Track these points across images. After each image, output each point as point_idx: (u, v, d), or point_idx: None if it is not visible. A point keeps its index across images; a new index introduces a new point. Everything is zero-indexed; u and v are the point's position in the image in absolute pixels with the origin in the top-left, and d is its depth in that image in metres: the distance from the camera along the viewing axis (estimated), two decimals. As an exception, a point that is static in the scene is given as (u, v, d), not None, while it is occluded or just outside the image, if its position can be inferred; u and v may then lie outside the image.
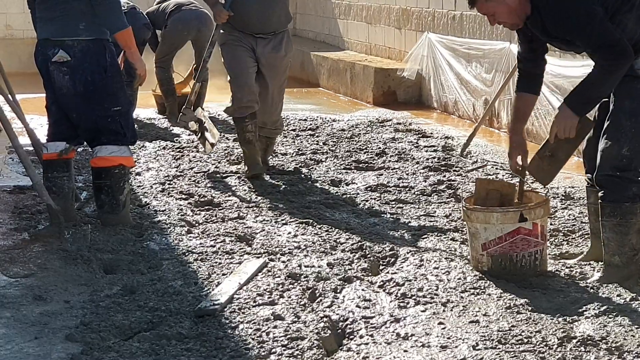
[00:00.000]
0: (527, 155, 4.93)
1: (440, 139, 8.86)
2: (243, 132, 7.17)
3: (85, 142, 5.84)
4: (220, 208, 6.23)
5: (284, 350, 3.92)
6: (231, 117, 7.49)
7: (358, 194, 6.71)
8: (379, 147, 8.37)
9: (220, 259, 5.11)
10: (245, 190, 6.74)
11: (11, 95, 7.40)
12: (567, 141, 4.77)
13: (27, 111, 7.61)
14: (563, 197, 6.46)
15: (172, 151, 8.18)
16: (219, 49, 7.29)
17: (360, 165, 7.69)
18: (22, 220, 5.81)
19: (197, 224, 5.83)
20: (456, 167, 7.59)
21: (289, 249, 5.29)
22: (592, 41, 4.57)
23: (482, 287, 4.61)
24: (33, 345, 3.98)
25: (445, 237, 5.58)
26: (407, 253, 5.19)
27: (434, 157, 7.92)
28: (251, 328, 4.14)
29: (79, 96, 5.55)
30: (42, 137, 7.07)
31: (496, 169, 7.42)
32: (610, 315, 4.18)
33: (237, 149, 8.23)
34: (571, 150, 4.88)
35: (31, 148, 6.99)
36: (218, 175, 7.23)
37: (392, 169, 7.51)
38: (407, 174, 7.31)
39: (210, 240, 5.44)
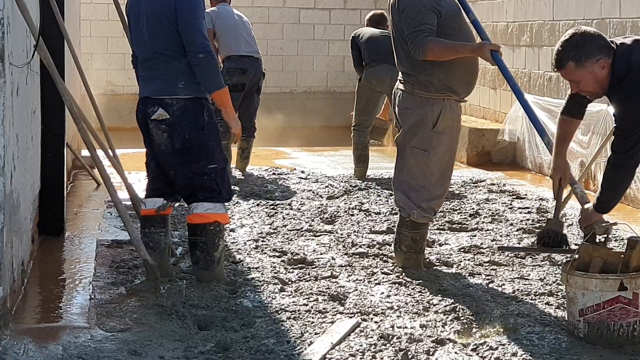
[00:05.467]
0: (568, 179, 5.17)
1: (535, 200, 8.78)
2: (424, 238, 6.30)
3: (181, 199, 5.91)
4: (313, 266, 6.25)
5: (376, 412, 3.91)
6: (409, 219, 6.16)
7: (451, 255, 6.67)
8: (473, 208, 8.33)
9: (313, 317, 5.12)
10: (339, 249, 6.76)
11: (111, 149, 7.58)
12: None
13: (125, 166, 7.75)
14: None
15: (266, 208, 8.24)
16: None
17: (454, 226, 7.65)
18: (119, 274, 5.90)
19: (290, 282, 5.85)
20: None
21: (382, 309, 5.28)
22: (626, 140, 4.73)
23: (578, 354, 4.55)
24: (128, 400, 4.03)
25: (539, 301, 5.50)
26: (501, 316, 5.14)
27: (528, 219, 7.85)
28: (343, 389, 4.13)
29: (177, 153, 5.64)
30: (139, 192, 7.22)
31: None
32: None
33: (330, 207, 8.27)
34: None
35: (129, 202, 7.13)
36: (311, 234, 7.25)
37: (485, 230, 7.46)
38: (501, 236, 7.25)
39: (303, 299, 5.45)
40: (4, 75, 4.64)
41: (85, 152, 9.90)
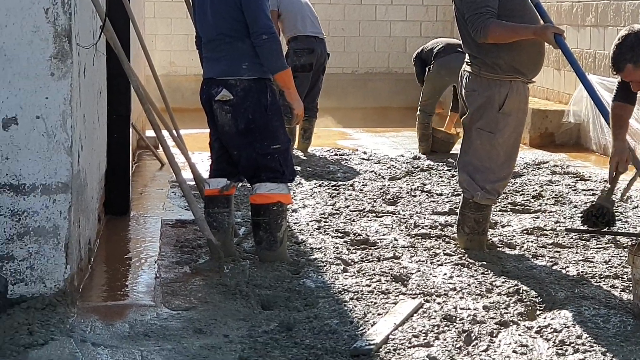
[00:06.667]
0: (625, 162, 5.24)
1: (599, 182, 8.69)
2: (487, 220, 6.23)
3: (245, 179, 5.95)
4: (376, 247, 6.26)
5: (440, 393, 3.91)
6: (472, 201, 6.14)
7: (514, 236, 6.63)
8: (536, 190, 8.27)
9: (375, 298, 5.13)
10: (401, 230, 6.75)
11: (175, 130, 7.64)
12: None
13: (188, 146, 7.80)
14: None
15: (328, 189, 8.26)
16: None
17: (517, 207, 7.61)
18: (183, 253, 5.96)
19: (352, 263, 5.87)
20: (616, 212, 7.42)
21: (445, 291, 5.27)
22: None
23: (644, 337, 4.51)
24: (193, 378, 4.07)
25: (604, 284, 5.46)
26: (565, 299, 5.11)
27: (592, 201, 7.76)
28: (406, 369, 4.14)
29: (240, 134, 5.67)
30: (202, 172, 7.28)
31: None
32: None
33: (392, 188, 8.27)
34: None
35: (193, 183, 7.19)
36: (374, 214, 7.26)
37: (548, 212, 7.41)
38: (565, 218, 7.19)
39: (366, 280, 5.46)
40: (72, 56, 4.69)
41: (149, 133, 10.00)
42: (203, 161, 8.91)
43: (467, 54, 6.06)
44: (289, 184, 5.85)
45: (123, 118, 6.94)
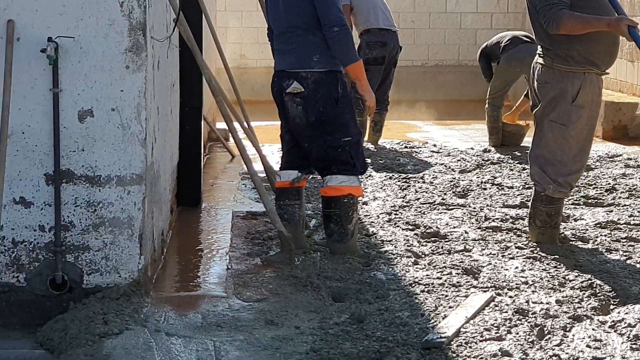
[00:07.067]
0: None
1: (674, 176, 8.57)
2: (559, 213, 6.20)
3: (316, 171, 5.96)
4: (447, 240, 6.24)
5: (512, 387, 3.89)
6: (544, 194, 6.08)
7: (587, 230, 6.56)
8: (609, 183, 8.17)
9: (446, 291, 5.12)
10: (472, 222, 6.72)
11: (246, 122, 7.68)
12: None
13: (258, 138, 7.84)
14: None
15: (399, 181, 8.24)
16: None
17: (589, 201, 7.52)
18: (254, 245, 5.99)
19: (423, 255, 5.85)
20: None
21: (517, 284, 5.24)
22: None
23: None
24: (265, 369, 4.10)
25: (679, 279, 5.39)
26: (639, 293, 5.05)
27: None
28: (478, 363, 4.13)
29: (311, 126, 5.68)
30: (273, 164, 7.31)
31: None
32: None
33: (462, 180, 8.23)
34: None
35: (263, 174, 7.22)
36: (444, 207, 7.23)
37: (622, 206, 7.31)
38: (639, 212, 7.10)
39: (437, 272, 5.45)
40: (146, 49, 4.74)
41: (219, 125, 10.07)
42: (273, 153, 8.95)
43: (539, 46, 6.01)
44: (359, 177, 5.85)
45: (195, 110, 6.99)
